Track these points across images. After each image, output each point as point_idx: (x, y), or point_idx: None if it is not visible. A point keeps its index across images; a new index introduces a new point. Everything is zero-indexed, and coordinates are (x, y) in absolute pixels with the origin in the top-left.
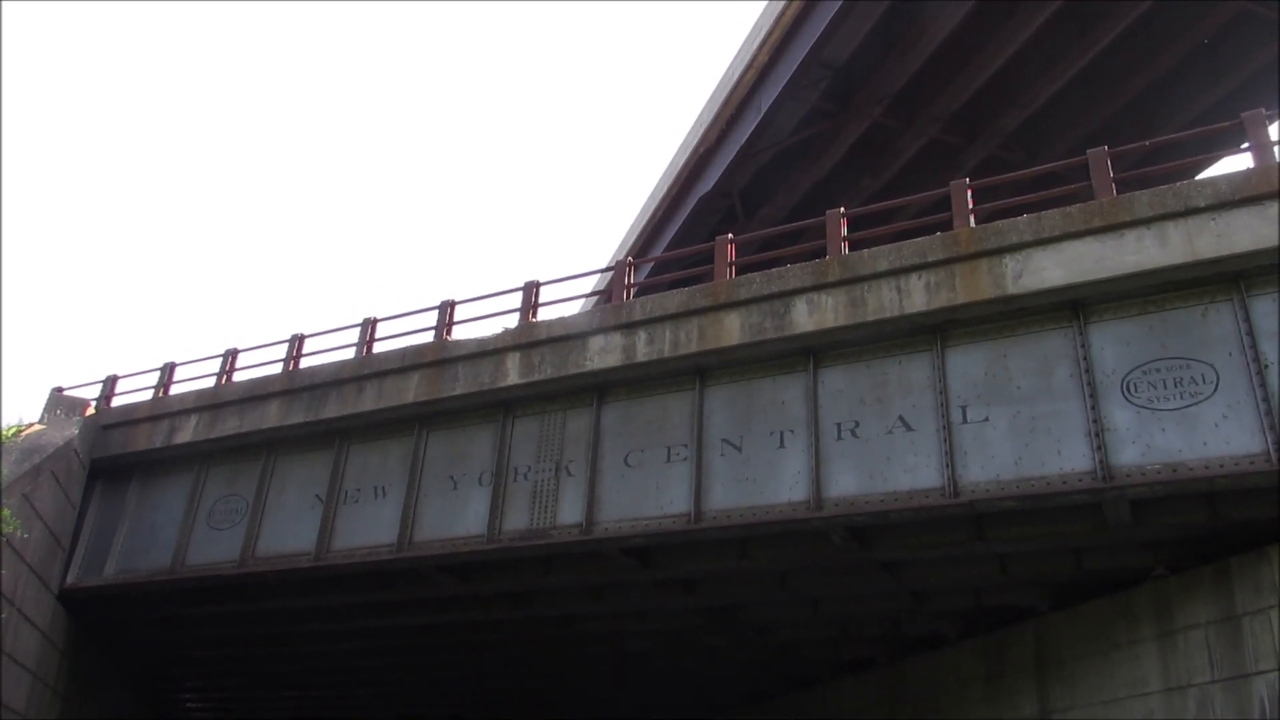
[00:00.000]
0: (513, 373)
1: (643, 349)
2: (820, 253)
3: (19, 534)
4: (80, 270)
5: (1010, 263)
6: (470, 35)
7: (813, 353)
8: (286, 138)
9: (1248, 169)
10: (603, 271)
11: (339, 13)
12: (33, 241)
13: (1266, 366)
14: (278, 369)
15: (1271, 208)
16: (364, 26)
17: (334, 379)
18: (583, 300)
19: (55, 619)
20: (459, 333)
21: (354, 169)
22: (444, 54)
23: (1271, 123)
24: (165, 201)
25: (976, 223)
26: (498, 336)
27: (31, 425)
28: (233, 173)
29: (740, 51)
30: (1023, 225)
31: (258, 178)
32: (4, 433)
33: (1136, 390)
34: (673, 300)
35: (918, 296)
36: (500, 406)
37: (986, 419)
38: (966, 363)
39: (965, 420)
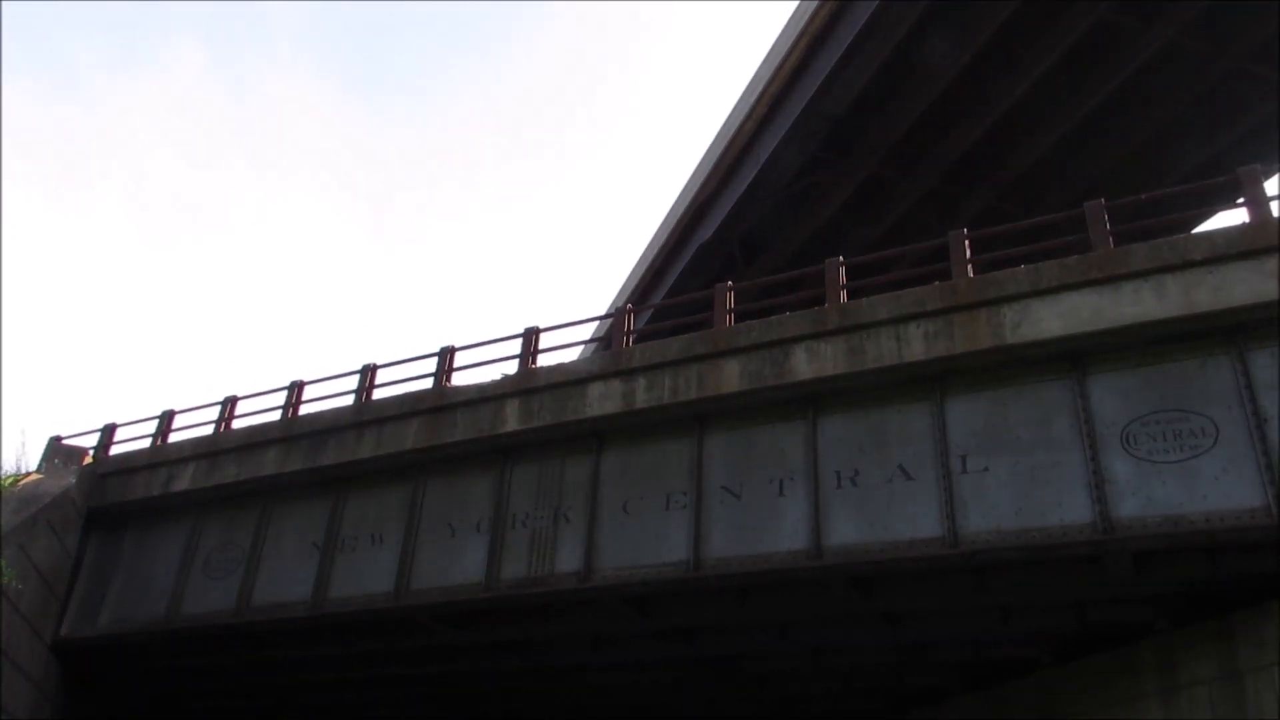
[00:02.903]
0: (512, 419)
1: (642, 395)
2: (819, 301)
3: (14, 584)
4: (79, 317)
5: (1008, 313)
6: (469, 71)
7: (812, 400)
8: (285, 182)
9: (1244, 223)
10: (602, 318)
11: (343, 50)
12: (30, 288)
13: (1266, 420)
14: (276, 416)
15: (1268, 262)
16: (369, 63)
17: (333, 426)
18: (582, 347)
19: (49, 670)
20: (458, 379)
21: (354, 212)
22: (444, 94)
23: (1267, 178)
24: (164, 245)
25: (975, 273)
26: (497, 383)
27: (29, 474)
28: (232, 218)
29: (740, 101)
30: (1020, 276)
31: (257, 223)
32: (2, 482)
33: (1136, 442)
34: (672, 347)
35: (916, 345)
36: (499, 453)
37: (986, 469)
38: (966, 412)
39: (965, 470)
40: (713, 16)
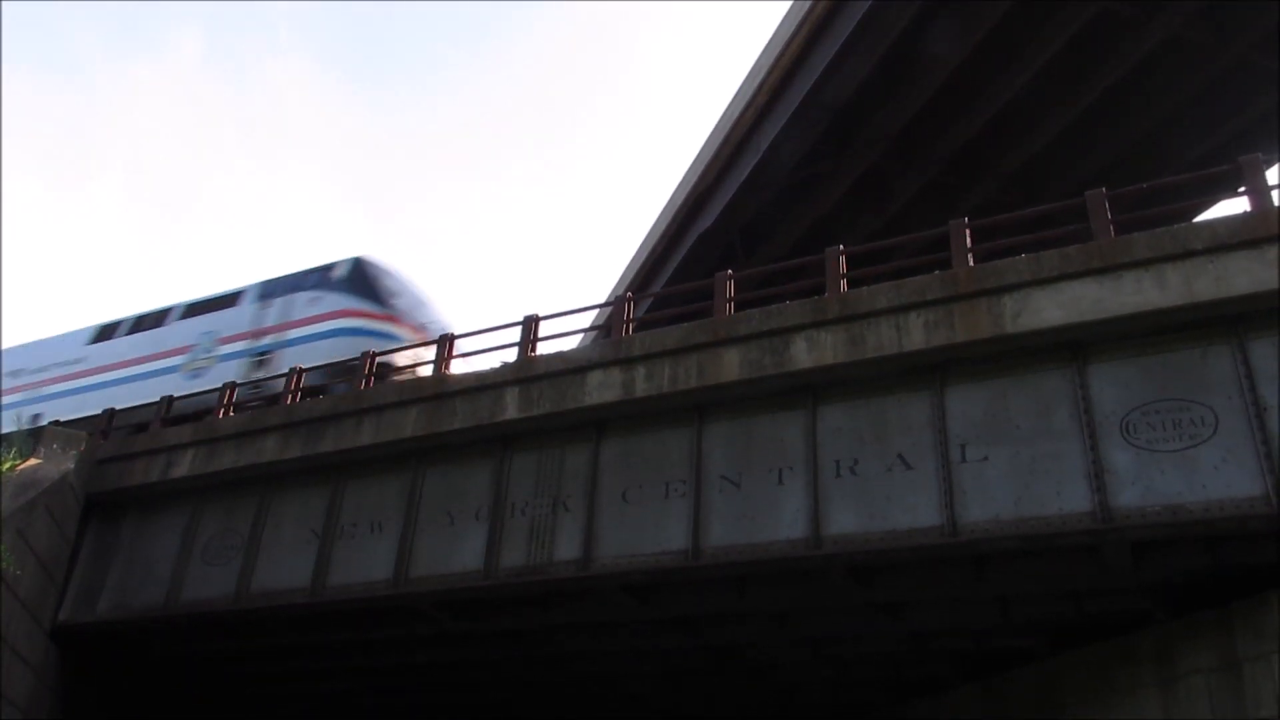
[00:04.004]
0: (511, 407)
1: (641, 384)
2: (819, 290)
3: (12, 570)
4: (78, 303)
5: (1009, 302)
6: (467, 62)
7: (812, 390)
8: (283, 170)
9: (1245, 212)
10: (602, 306)
11: (343, 41)
12: (30, 274)
13: (1265, 410)
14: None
15: (1269, 251)
16: (368, 54)
17: (331, 413)
18: (581, 335)
19: (47, 656)
20: (457, 367)
21: (352, 201)
22: (443, 84)
23: (1269, 167)
24: (162, 234)
25: (975, 263)
26: (496, 371)
27: (28, 459)
28: (230, 205)
29: (740, 91)
30: (1021, 265)
31: (255, 210)
32: (1, 466)
33: (1136, 431)
34: (672, 336)
35: (917, 335)
36: (498, 441)
37: (986, 458)
38: (966, 401)
39: (964, 459)
40: (715, 9)
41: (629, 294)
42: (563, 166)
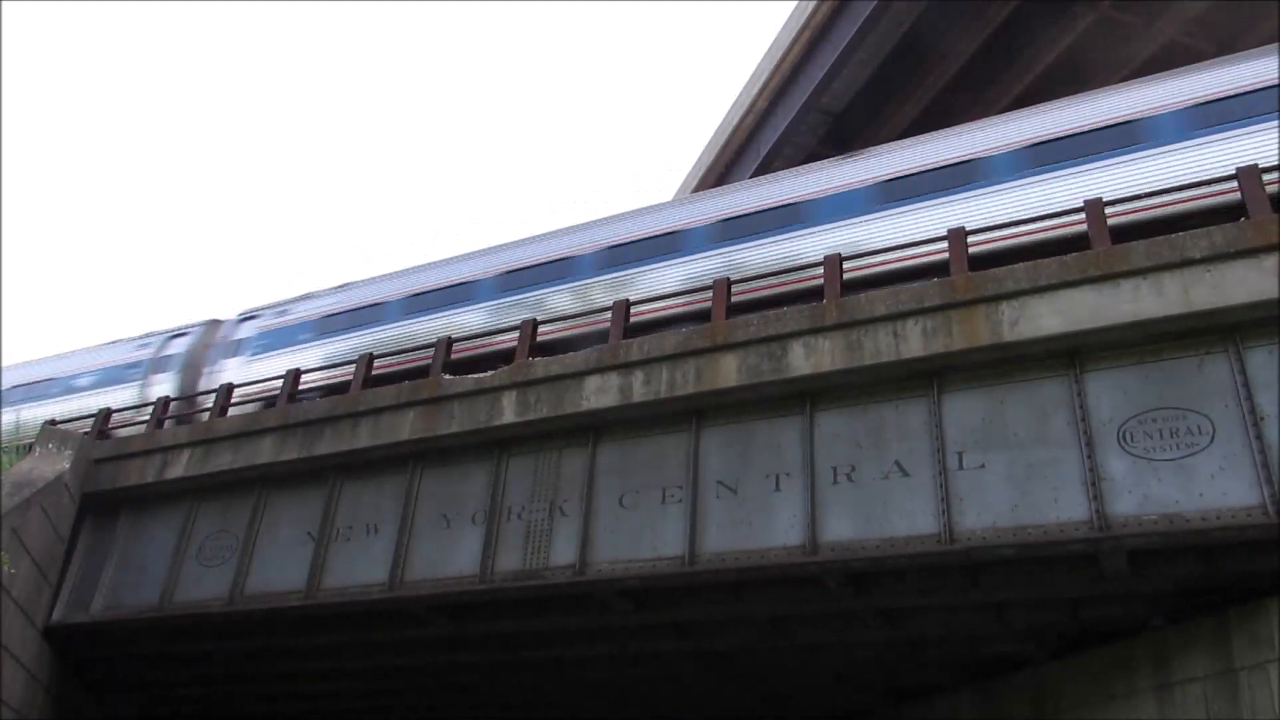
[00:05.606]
0: (508, 411)
1: (639, 389)
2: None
3: (7, 569)
4: (78, 302)
5: (1007, 310)
6: (464, 62)
7: (809, 396)
8: (288, 160)
9: (1243, 221)
10: (600, 310)
11: (340, 36)
12: (27, 272)
13: (1263, 419)
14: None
15: (1267, 260)
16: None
17: (329, 415)
18: None
19: (41, 656)
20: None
21: (355, 208)
22: (440, 81)
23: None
24: (163, 233)
25: (973, 269)
26: (494, 374)
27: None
28: (232, 199)
29: (740, 96)
30: (1019, 273)
31: (256, 206)
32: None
33: (1133, 439)
34: (670, 341)
35: (914, 341)
36: (495, 445)
37: (983, 465)
38: (963, 408)
39: (962, 466)
40: (718, 9)
41: (627, 297)
42: (560, 169)
